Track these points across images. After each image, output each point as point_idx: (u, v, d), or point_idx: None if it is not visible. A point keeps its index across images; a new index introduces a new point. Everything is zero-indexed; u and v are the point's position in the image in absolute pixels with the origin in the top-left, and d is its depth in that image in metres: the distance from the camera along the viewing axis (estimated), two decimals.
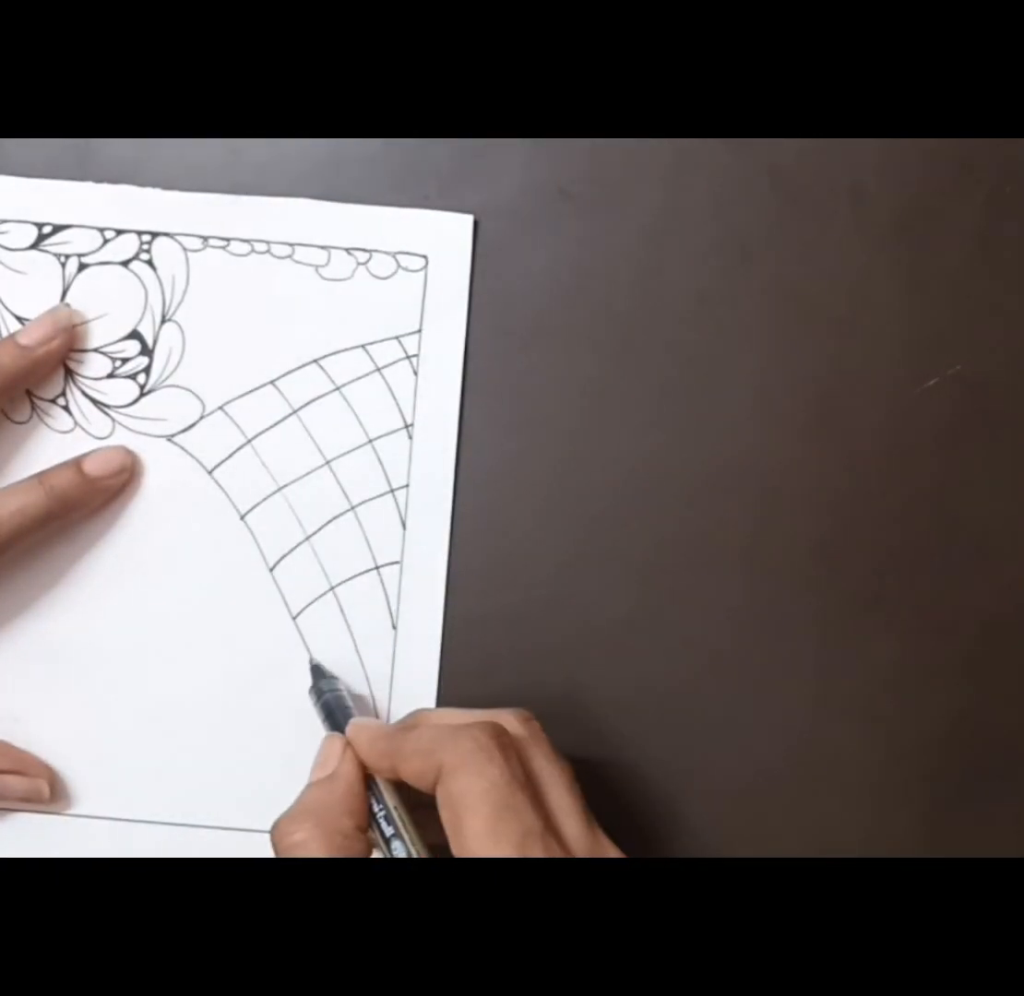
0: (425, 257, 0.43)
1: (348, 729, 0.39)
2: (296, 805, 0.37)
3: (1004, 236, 0.44)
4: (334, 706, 0.41)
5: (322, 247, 0.43)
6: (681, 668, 0.44)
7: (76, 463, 0.42)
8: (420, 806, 0.36)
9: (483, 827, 0.34)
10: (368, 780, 0.38)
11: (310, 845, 0.36)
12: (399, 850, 0.36)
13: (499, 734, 0.36)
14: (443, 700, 0.43)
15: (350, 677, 0.43)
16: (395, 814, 0.37)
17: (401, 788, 0.37)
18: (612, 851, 0.36)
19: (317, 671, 0.43)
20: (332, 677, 0.42)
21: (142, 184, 0.44)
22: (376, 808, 0.37)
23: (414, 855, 0.36)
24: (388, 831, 0.36)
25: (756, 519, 0.44)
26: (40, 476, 0.42)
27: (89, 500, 0.42)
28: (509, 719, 0.37)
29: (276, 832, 0.37)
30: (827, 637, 0.44)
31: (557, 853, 0.34)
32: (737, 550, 0.44)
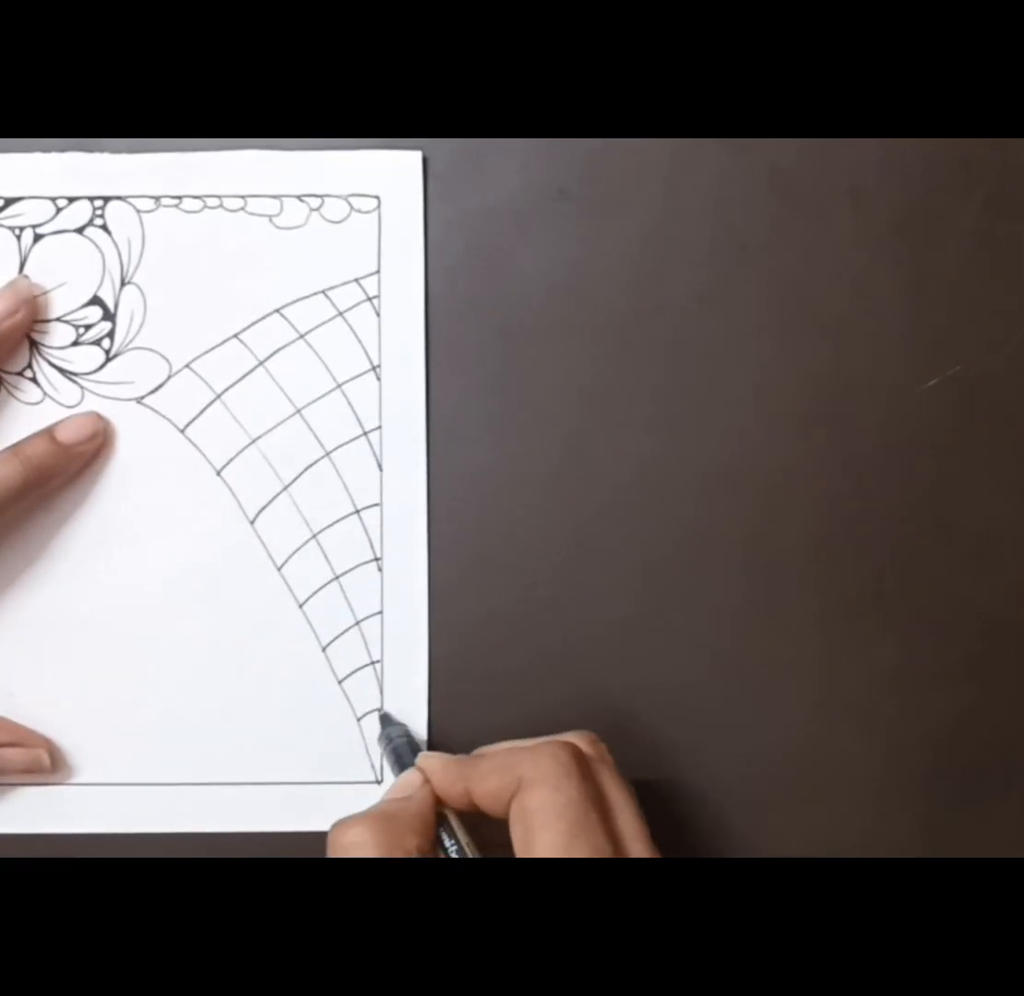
0: (377, 197, 0.43)
1: (419, 759, 0.39)
2: (362, 811, 0.36)
3: (1004, 236, 0.44)
4: (403, 751, 0.41)
5: (274, 196, 0.43)
6: (681, 668, 0.44)
7: (49, 432, 0.42)
8: (490, 845, 0.36)
9: (556, 843, 0.34)
10: (440, 818, 0.37)
11: (365, 848, 0.35)
12: None
13: (577, 752, 0.36)
14: (434, 689, 0.43)
15: (338, 622, 0.43)
16: (467, 851, 0.36)
17: (472, 829, 0.37)
18: None
19: (385, 719, 0.43)
20: (400, 724, 0.42)
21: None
22: (448, 843, 0.37)
23: None
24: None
25: (756, 519, 0.44)
26: (13, 448, 0.42)
27: (65, 468, 0.42)
28: (578, 740, 0.37)
29: (334, 830, 0.36)
30: (827, 637, 0.44)
31: None
32: (737, 550, 0.44)
